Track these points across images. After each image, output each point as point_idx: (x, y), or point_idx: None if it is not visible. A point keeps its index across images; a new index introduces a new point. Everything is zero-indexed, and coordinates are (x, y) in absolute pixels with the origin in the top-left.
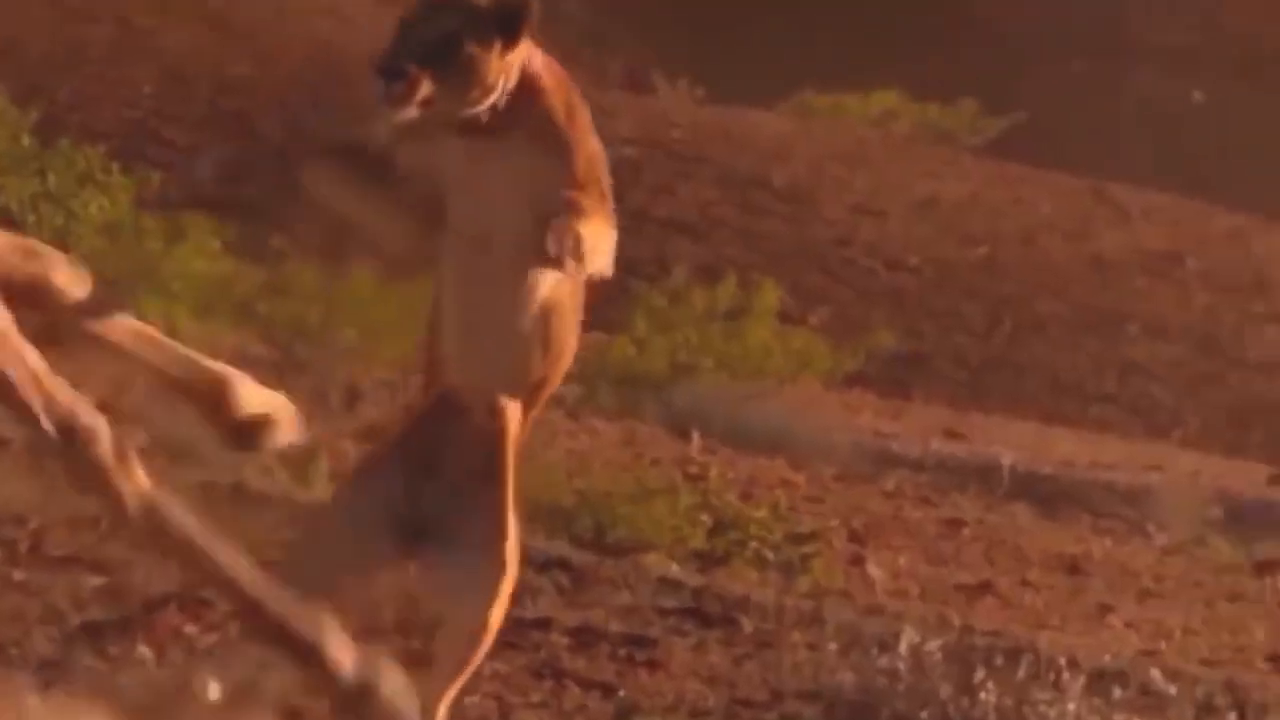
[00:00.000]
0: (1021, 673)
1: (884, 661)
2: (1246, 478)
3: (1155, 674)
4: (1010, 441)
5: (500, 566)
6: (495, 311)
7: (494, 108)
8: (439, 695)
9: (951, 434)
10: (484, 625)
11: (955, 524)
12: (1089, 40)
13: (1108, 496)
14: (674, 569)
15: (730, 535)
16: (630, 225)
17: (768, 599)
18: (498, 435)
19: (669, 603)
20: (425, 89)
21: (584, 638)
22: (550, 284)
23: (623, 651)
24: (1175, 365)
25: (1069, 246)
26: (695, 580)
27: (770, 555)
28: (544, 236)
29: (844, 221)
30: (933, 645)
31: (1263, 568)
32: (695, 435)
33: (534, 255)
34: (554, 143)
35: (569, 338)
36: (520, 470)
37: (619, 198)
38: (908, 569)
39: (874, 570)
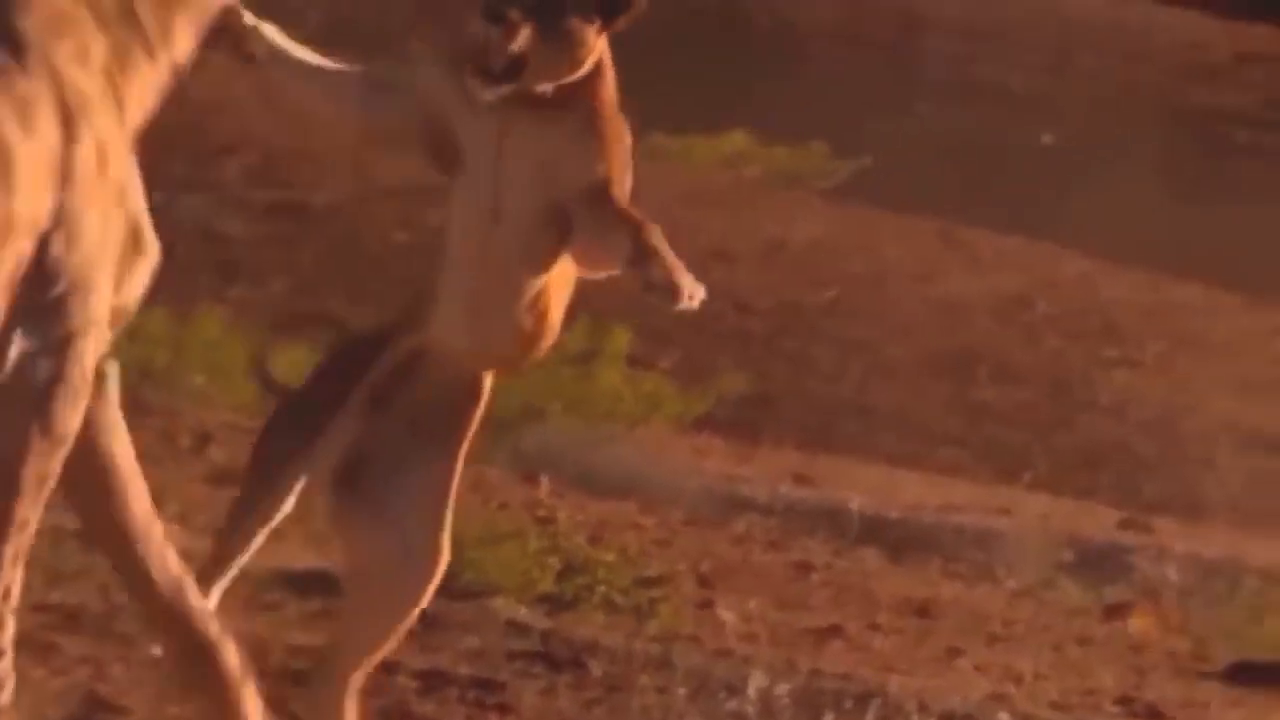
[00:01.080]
0: (870, 717)
1: (732, 705)
2: (1096, 521)
3: (1004, 718)
4: (859, 485)
5: (438, 550)
6: (496, 287)
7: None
8: (352, 670)
9: (800, 478)
10: (415, 602)
11: (804, 568)
12: (937, 82)
13: (957, 540)
14: (522, 612)
15: (579, 579)
16: None
17: (616, 643)
18: (467, 407)
19: (517, 646)
20: (523, 42)
21: (432, 681)
22: (555, 268)
23: (471, 695)
24: (1024, 409)
25: (918, 290)
26: (544, 624)
27: (619, 599)
28: (558, 220)
29: (694, 264)
30: (781, 689)
31: (1112, 611)
32: (544, 479)
33: (546, 237)
34: (599, 136)
35: (557, 322)
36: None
37: None
38: (757, 613)
39: (723, 614)
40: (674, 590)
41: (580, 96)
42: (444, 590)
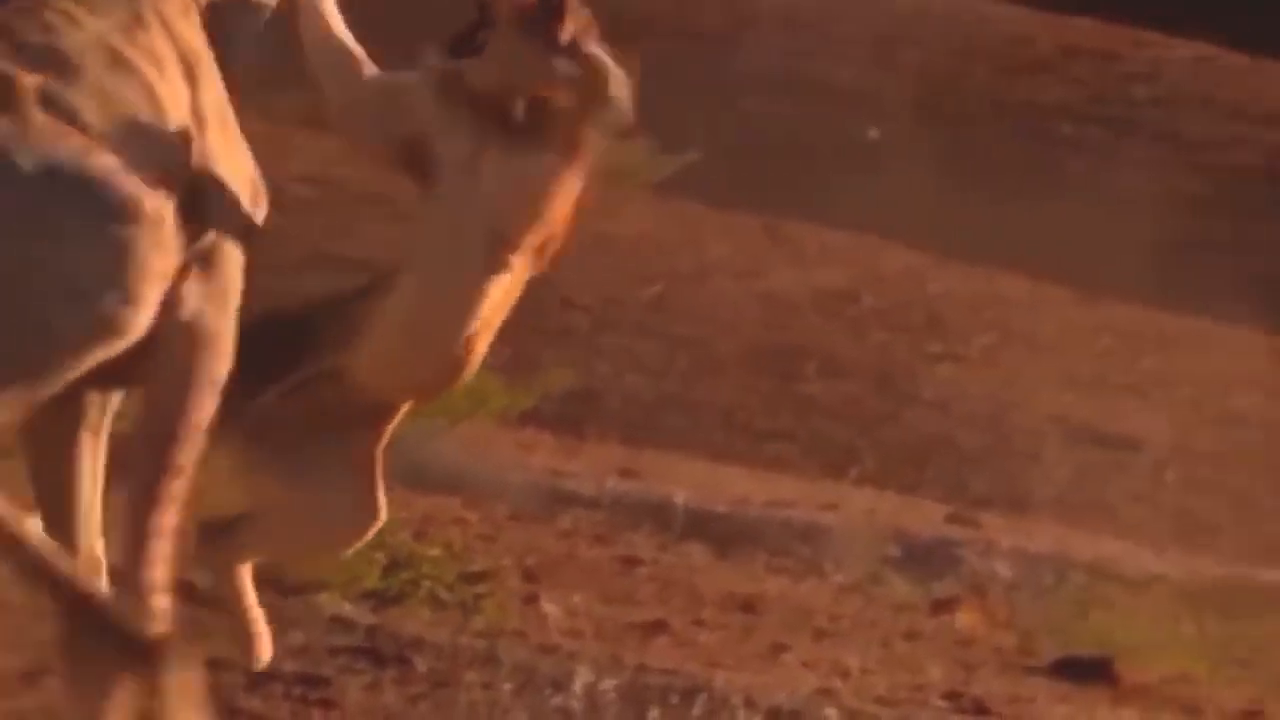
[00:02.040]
0: (696, 711)
1: (558, 701)
2: (923, 516)
3: (831, 713)
4: (684, 480)
5: (368, 509)
6: (444, 314)
7: (534, 109)
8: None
9: (626, 473)
10: (333, 548)
11: (630, 562)
12: (763, 77)
13: (783, 535)
14: (347, 608)
15: (404, 574)
16: (307, 264)
17: (442, 638)
18: (377, 422)
19: (342, 642)
20: (573, 27)
21: (257, 677)
22: (493, 299)
23: (296, 691)
24: (850, 403)
25: (743, 285)
26: (369, 619)
27: (444, 594)
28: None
29: None
30: (607, 684)
31: (939, 606)
32: None
33: (487, 266)
34: (545, 186)
35: (480, 356)
36: (193, 508)
37: (295, 238)
38: (582, 608)
39: (548, 609)
40: (499, 585)
41: (556, 138)
42: (269, 585)
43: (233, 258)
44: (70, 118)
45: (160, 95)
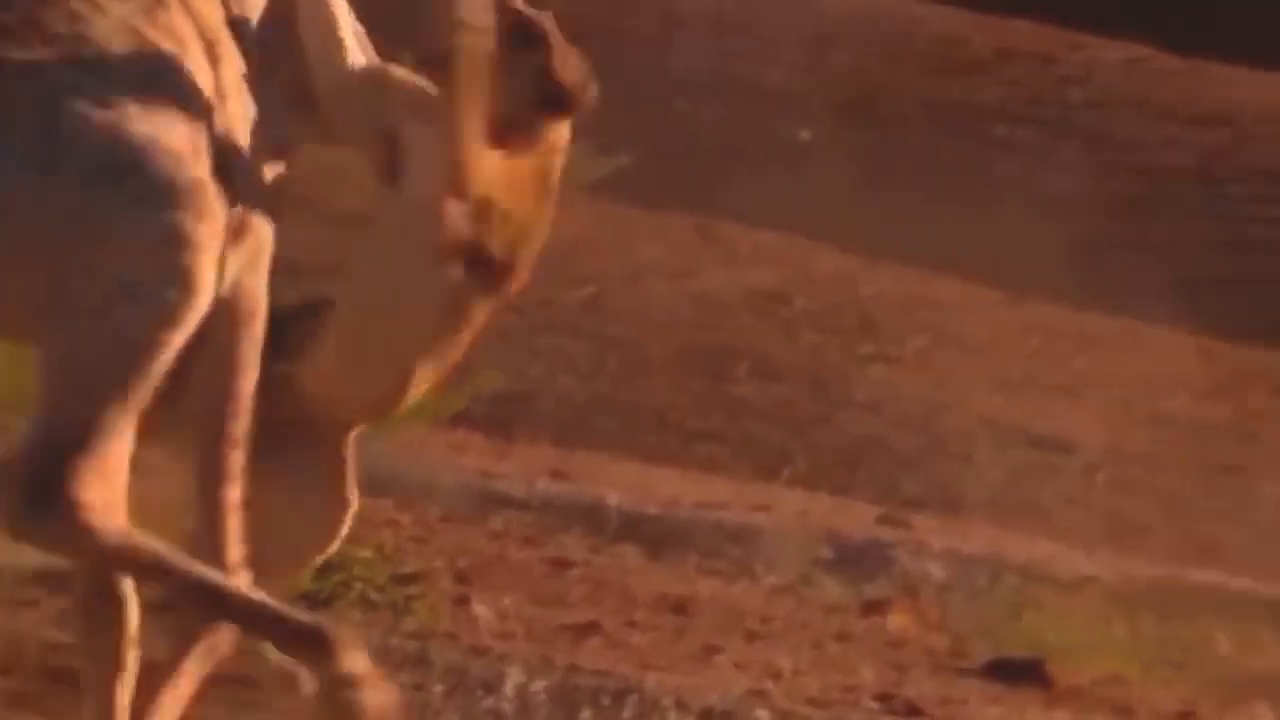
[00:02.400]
0: (627, 713)
1: (489, 703)
2: (855, 517)
3: (763, 714)
4: (616, 481)
5: (338, 503)
6: (396, 333)
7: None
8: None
9: (557, 474)
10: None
11: (561, 564)
12: (694, 79)
13: (715, 536)
14: None
15: (335, 576)
16: None
17: (373, 640)
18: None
19: None
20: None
21: None
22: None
23: (227, 693)
24: (782, 404)
25: (675, 286)
26: None
27: (375, 596)
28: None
29: None
30: (538, 686)
31: (870, 607)
32: None
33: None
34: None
35: (425, 385)
36: (130, 513)
37: None
38: (513, 610)
39: (479, 611)
40: (430, 587)
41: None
42: None
43: (263, 228)
44: (101, 103)
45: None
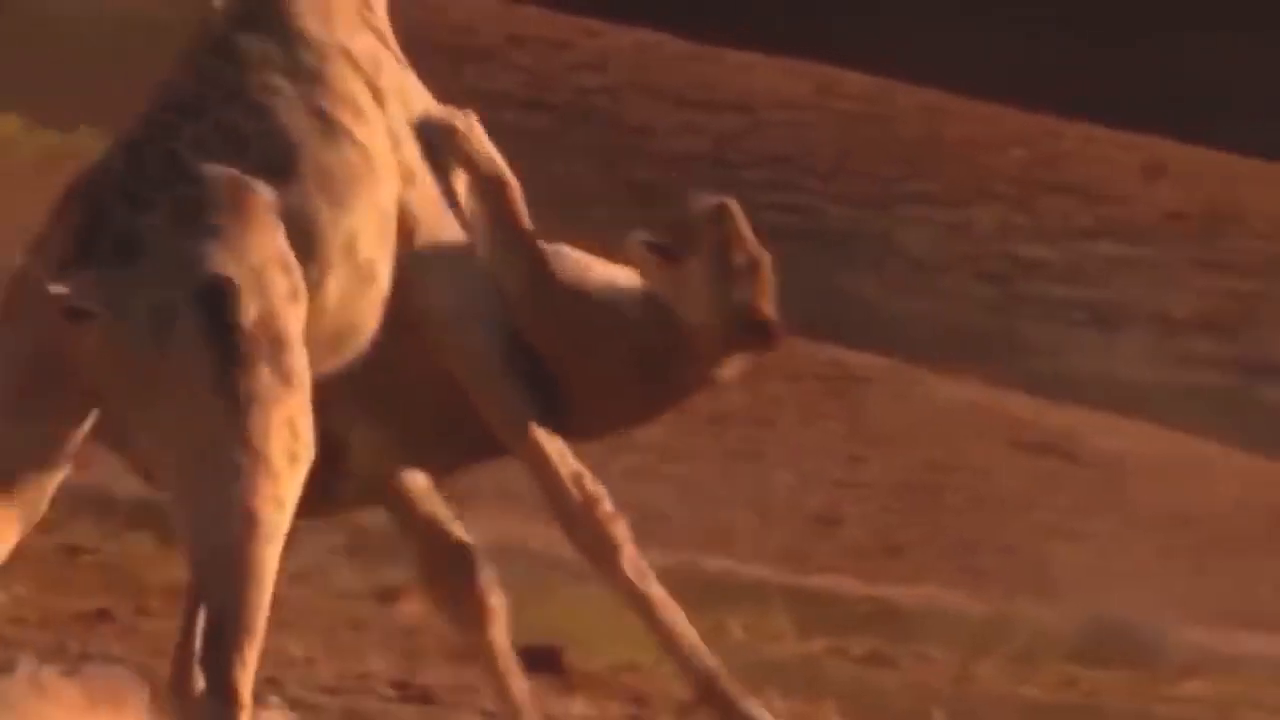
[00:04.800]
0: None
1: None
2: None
3: (275, 701)
4: (125, 469)
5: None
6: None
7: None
8: None
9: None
10: None
11: (73, 551)
12: None
13: None
14: None
15: None
16: None
17: None
18: None
19: None
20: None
21: None
22: None
23: None
24: None
25: None
26: None
27: None
28: None
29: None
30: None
31: (385, 595)
32: None
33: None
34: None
35: None
36: None
37: None
38: (26, 597)
39: None
40: None
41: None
42: None
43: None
44: (299, 222)
45: (364, 138)
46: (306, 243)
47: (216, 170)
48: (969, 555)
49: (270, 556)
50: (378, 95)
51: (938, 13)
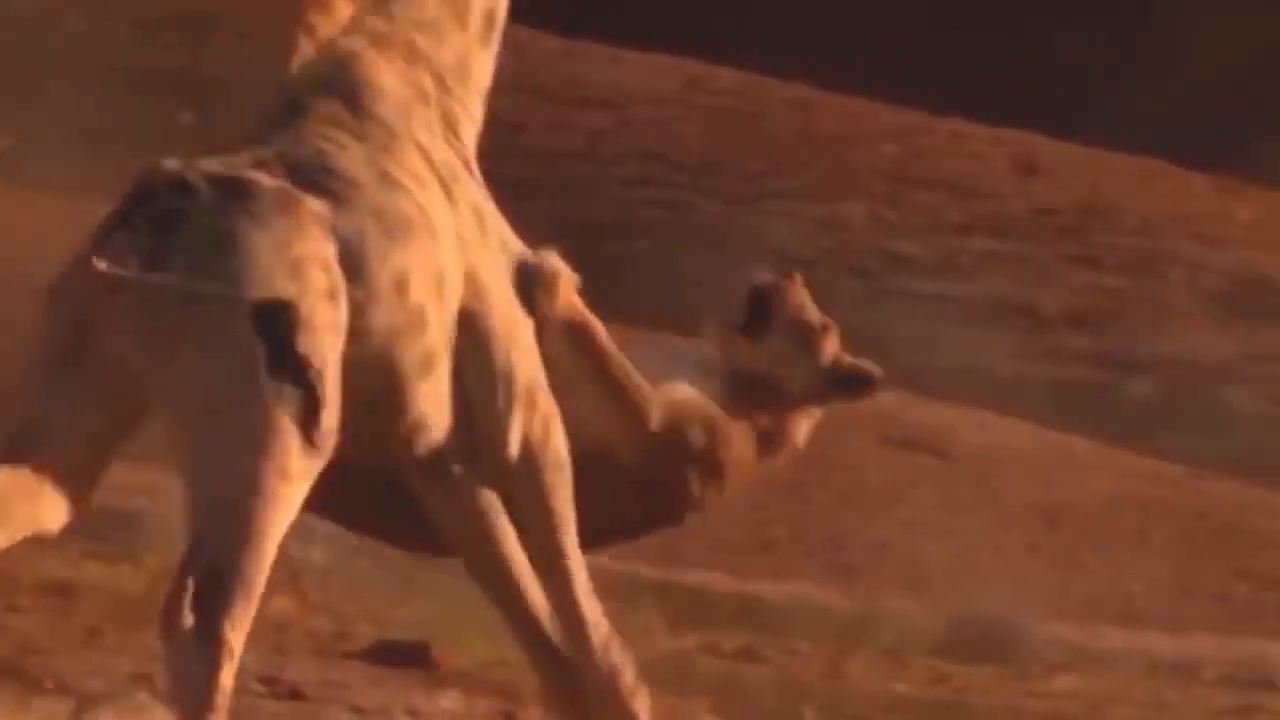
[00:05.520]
0: (5, 697)
1: None
2: None
3: (143, 697)
4: None
5: None
6: None
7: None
8: None
9: None
10: None
11: None
12: (72, 65)
13: (99, 521)
14: None
15: None
16: None
17: None
18: None
19: None
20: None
21: None
22: None
23: None
24: None
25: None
26: None
27: None
28: None
29: None
30: None
31: None
32: None
33: None
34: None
35: None
36: None
37: None
38: None
39: None
40: None
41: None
42: None
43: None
44: (347, 243)
45: (425, 204)
46: (354, 263)
47: (269, 179)
48: (839, 551)
49: (271, 522)
50: (449, 194)
51: (807, 8)
